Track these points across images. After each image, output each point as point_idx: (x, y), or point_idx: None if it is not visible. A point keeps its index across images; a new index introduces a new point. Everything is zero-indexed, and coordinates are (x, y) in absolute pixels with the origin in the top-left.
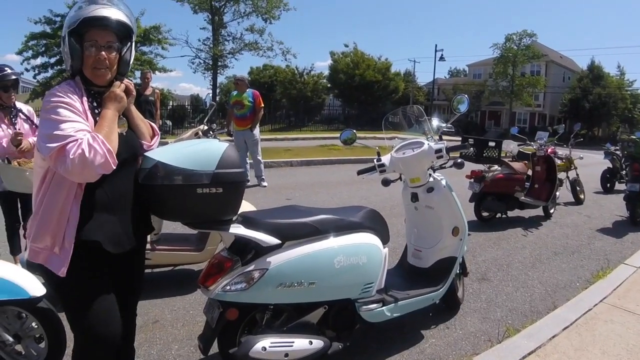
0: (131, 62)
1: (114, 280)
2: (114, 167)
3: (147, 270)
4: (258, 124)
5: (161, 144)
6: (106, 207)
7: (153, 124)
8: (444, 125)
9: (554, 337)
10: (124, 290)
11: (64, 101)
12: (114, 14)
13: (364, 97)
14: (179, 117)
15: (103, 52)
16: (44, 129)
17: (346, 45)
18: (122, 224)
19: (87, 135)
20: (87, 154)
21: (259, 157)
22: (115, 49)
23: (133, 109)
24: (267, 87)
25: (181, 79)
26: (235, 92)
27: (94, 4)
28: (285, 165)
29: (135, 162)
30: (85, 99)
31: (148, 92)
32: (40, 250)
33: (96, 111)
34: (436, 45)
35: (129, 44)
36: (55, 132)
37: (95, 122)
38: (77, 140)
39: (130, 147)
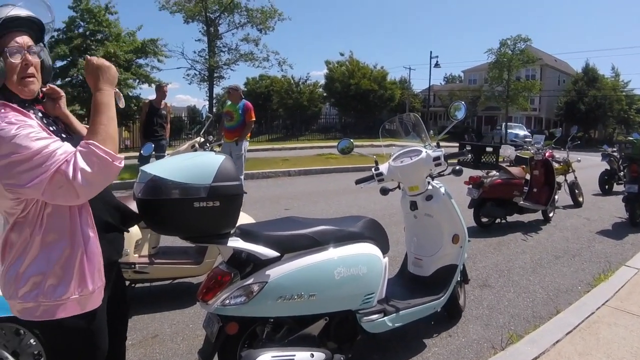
0: (53, 67)
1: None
2: (122, 167)
3: (145, 284)
4: (247, 138)
5: (160, 157)
6: (97, 217)
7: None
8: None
9: (557, 342)
10: (114, 311)
11: (19, 125)
12: (26, 12)
13: (360, 105)
14: (177, 128)
15: (29, 56)
16: (17, 166)
17: (342, 54)
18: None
19: (76, 149)
20: (88, 169)
21: (240, 174)
22: (36, 53)
23: (69, 113)
24: (263, 97)
25: (178, 90)
26: (229, 102)
27: (6, 4)
28: (283, 175)
29: None
30: (31, 114)
31: (161, 105)
32: (64, 301)
33: (45, 121)
34: (431, 52)
35: (43, 45)
36: (35, 165)
37: (54, 134)
38: (66, 160)
39: None
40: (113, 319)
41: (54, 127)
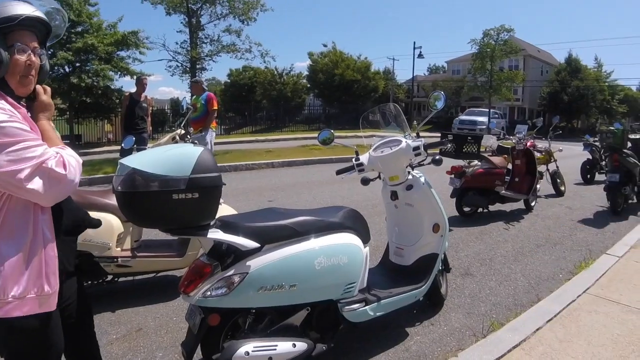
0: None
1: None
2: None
3: (128, 278)
4: (213, 128)
5: (142, 150)
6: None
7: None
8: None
9: (538, 329)
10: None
11: (11, 115)
12: (40, 13)
13: (344, 96)
14: (160, 121)
15: (33, 57)
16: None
17: (325, 45)
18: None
19: (57, 150)
20: (73, 167)
21: None
22: (39, 55)
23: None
24: (247, 88)
25: (161, 82)
26: (194, 96)
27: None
28: (266, 167)
29: None
30: (23, 110)
31: (142, 98)
32: (20, 300)
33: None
34: (414, 43)
35: (44, 49)
36: (20, 151)
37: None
38: (53, 156)
39: None
40: (81, 315)
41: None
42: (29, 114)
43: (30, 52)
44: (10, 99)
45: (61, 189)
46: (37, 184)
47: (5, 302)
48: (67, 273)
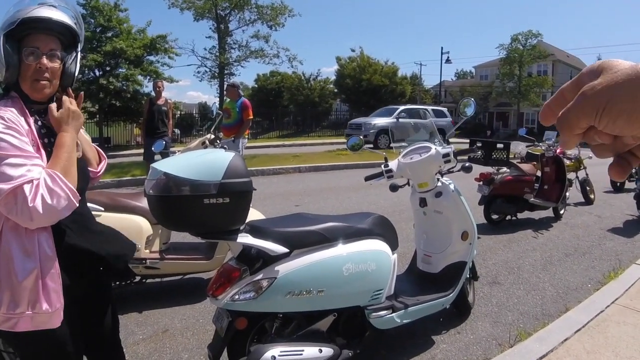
0: (76, 75)
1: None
2: (77, 205)
3: (156, 280)
4: (245, 136)
5: (163, 154)
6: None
7: (99, 149)
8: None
9: (565, 340)
10: (95, 326)
11: (8, 126)
12: (58, 15)
13: (371, 101)
14: (187, 125)
15: (45, 60)
16: None
17: (352, 50)
18: (83, 256)
19: (42, 174)
20: (48, 199)
21: None
22: (58, 58)
23: (81, 130)
24: (274, 93)
25: (189, 87)
26: (227, 100)
27: (35, 3)
28: (293, 172)
29: (86, 191)
30: (31, 119)
31: (161, 101)
32: (16, 316)
33: (42, 131)
34: (442, 48)
35: (74, 53)
36: (3, 170)
37: (45, 146)
38: (31, 181)
39: (84, 176)
40: (102, 317)
41: (48, 140)
42: (41, 125)
43: (42, 55)
44: (23, 106)
45: (36, 218)
46: (7, 205)
47: (4, 316)
48: (86, 281)
